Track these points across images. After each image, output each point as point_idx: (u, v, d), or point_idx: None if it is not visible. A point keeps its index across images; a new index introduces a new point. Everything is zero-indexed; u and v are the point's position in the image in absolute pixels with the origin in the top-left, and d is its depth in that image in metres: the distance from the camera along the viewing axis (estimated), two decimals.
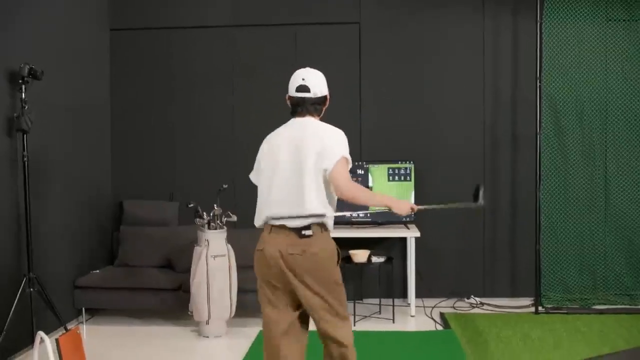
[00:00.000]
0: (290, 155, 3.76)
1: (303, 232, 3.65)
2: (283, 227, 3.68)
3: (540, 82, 6.79)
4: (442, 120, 7.31)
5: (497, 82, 7.31)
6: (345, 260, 6.65)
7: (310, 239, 3.66)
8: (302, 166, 3.69)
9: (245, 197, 7.04)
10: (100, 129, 7.24)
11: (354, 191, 3.65)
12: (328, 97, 3.96)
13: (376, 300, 6.84)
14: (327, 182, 3.67)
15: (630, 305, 6.91)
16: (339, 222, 6.81)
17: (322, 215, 3.66)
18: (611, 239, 7.09)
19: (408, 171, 6.93)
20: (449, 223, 7.30)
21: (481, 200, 4.14)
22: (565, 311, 6.74)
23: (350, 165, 3.75)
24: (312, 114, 3.91)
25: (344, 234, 6.68)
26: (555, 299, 7.02)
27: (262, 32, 7.38)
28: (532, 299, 6.96)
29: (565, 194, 7.09)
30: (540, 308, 6.78)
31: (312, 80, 3.91)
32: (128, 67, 7.43)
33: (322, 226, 3.72)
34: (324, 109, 3.97)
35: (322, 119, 3.98)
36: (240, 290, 6.15)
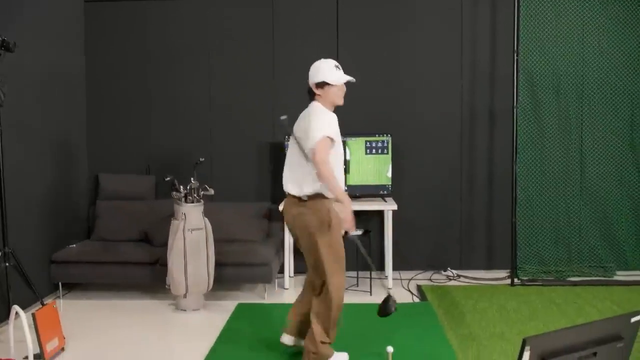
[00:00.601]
0: (294, 136, 4.41)
1: (301, 198, 4.39)
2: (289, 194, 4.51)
3: (517, 56, 6.80)
4: (419, 93, 7.31)
5: (475, 56, 7.32)
6: None
7: (305, 204, 4.39)
8: (297, 146, 4.36)
9: (221, 170, 7.25)
10: (75, 102, 7.17)
11: (325, 175, 4.15)
12: (323, 82, 4.40)
13: (354, 273, 6.85)
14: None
15: (604, 277, 7.00)
16: None
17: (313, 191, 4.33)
18: (586, 212, 7.17)
19: (385, 144, 6.92)
20: (426, 196, 7.34)
21: (391, 309, 4.49)
22: (541, 283, 6.82)
23: (334, 144, 4.27)
24: (313, 99, 4.48)
25: None
26: (530, 271, 7.09)
27: (240, 1, 7.32)
28: (508, 271, 7.05)
29: (541, 168, 7.14)
30: (516, 280, 6.85)
31: (310, 71, 4.48)
32: (103, 38, 7.35)
33: (318, 195, 4.33)
34: (321, 93, 4.43)
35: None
36: (218, 264, 6.15)
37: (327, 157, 4.18)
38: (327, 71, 4.39)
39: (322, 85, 4.40)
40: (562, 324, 5.36)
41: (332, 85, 4.38)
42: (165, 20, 7.34)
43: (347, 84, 4.44)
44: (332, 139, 4.24)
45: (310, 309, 4.55)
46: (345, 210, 4.20)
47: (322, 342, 4.44)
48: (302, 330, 4.66)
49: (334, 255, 4.36)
